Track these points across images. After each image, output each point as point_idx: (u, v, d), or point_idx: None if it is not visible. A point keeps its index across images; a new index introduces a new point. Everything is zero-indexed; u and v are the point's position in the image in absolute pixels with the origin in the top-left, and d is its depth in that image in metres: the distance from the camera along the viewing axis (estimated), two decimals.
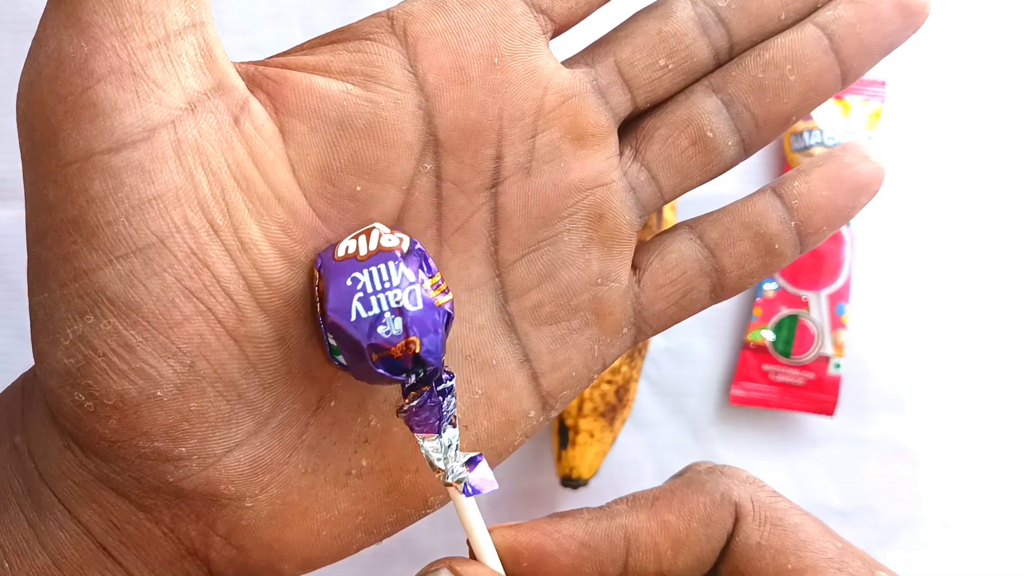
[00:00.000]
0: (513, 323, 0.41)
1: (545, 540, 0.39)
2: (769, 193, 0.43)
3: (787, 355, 0.74)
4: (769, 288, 0.75)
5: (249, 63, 0.39)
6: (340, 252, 0.37)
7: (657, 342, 0.76)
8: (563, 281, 0.42)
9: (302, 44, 0.40)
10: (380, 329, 0.35)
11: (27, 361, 0.67)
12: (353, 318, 0.36)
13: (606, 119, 0.42)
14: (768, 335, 0.74)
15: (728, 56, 0.43)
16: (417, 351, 0.36)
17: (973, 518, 0.76)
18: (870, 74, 0.60)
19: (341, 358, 0.37)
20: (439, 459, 0.37)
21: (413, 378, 0.36)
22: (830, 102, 0.73)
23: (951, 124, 0.75)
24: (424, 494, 0.41)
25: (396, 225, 0.40)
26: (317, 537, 0.39)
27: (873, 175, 0.43)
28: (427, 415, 0.37)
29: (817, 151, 0.72)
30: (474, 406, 0.41)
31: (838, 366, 0.74)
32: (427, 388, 0.36)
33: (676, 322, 0.43)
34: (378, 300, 0.35)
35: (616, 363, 0.71)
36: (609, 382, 0.72)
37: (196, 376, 0.36)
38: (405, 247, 0.36)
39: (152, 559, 0.39)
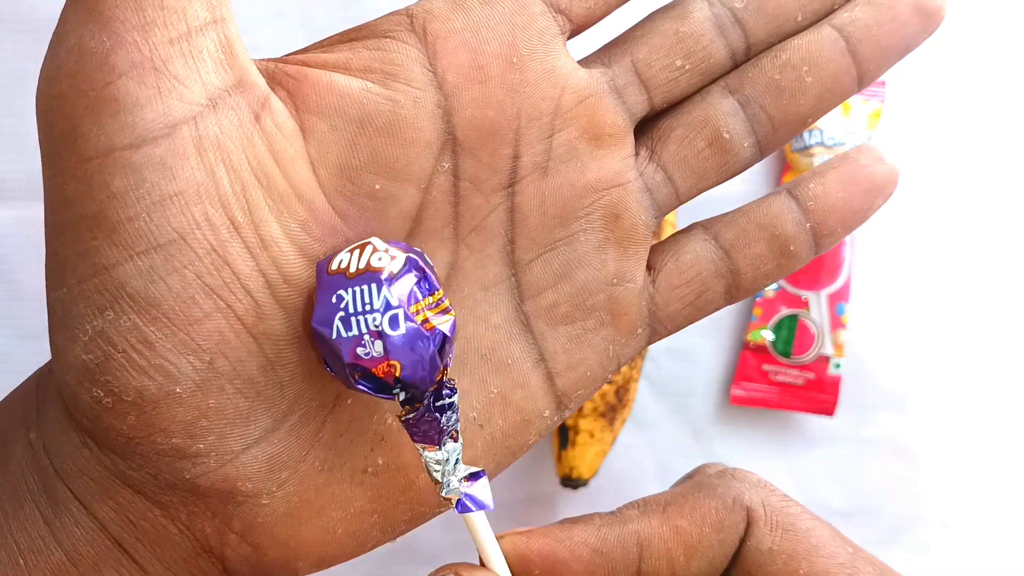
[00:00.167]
0: (529, 322, 0.41)
1: (557, 547, 0.39)
2: (784, 194, 0.43)
3: (787, 355, 0.74)
4: (769, 288, 0.74)
5: (269, 60, 0.39)
6: (333, 265, 0.36)
7: (657, 342, 0.76)
8: (579, 281, 0.41)
9: (321, 41, 0.40)
10: (360, 350, 0.35)
11: (27, 361, 0.67)
12: (334, 336, 0.35)
13: (623, 119, 0.42)
14: (768, 335, 0.74)
15: (745, 57, 0.43)
16: (397, 375, 0.35)
17: (973, 518, 0.76)
18: None
19: (330, 368, 0.37)
20: (437, 471, 0.37)
21: (403, 395, 0.36)
22: None
23: (951, 124, 0.75)
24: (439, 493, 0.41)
25: (414, 225, 0.40)
26: (332, 535, 0.39)
27: (888, 177, 0.43)
28: (426, 428, 0.37)
29: (817, 151, 0.72)
30: (489, 405, 0.41)
31: (838, 366, 0.74)
32: (420, 405, 0.36)
33: (691, 323, 0.43)
34: (358, 322, 0.35)
35: None
36: (609, 382, 0.71)
37: (215, 373, 0.36)
38: (395, 268, 0.35)
39: (167, 556, 0.38)
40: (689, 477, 0.43)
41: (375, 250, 0.36)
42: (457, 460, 0.37)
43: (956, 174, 0.74)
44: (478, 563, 0.39)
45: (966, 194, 0.75)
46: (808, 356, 0.74)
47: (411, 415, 0.36)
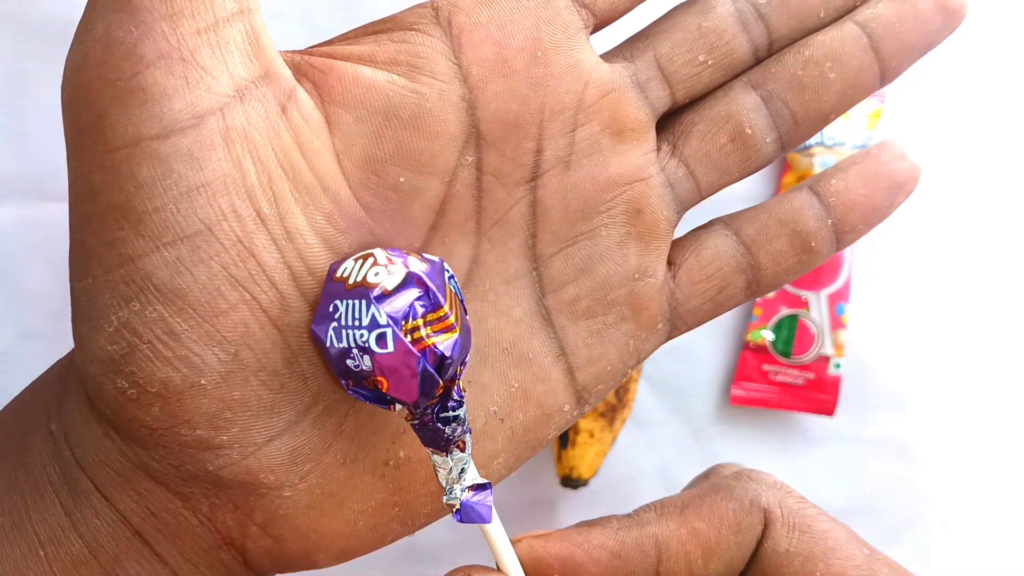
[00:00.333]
0: (550, 317, 0.41)
1: (575, 551, 0.39)
2: (806, 190, 0.43)
3: (787, 355, 0.74)
4: None
5: (295, 52, 0.39)
6: (338, 272, 0.36)
7: None
8: (600, 275, 0.42)
9: (346, 33, 0.40)
10: (349, 362, 0.35)
11: (27, 361, 0.67)
12: (327, 344, 0.35)
13: (645, 114, 0.42)
14: (768, 335, 0.74)
15: (767, 53, 0.43)
16: (384, 391, 0.35)
17: (973, 518, 0.76)
18: None
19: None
20: (442, 477, 0.37)
21: (398, 407, 0.36)
22: None
23: (951, 124, 0.75)
24: None
25: (437, 218, 0.39)
26: (353, 527, 0.39)
27: (910, 174, 0.43)
28: (431, 435, 0.37)
29: (817, 151, 0.72)
30: (510, 399, 0.41)
31: (838, 366, 0.74)
32: (420, 415, 0.36)
33: (711, 318, 0.44)
34: (348, 335, 0.35)
35: None
36: None
37: (240, 365, 0.36)
38: (391, 284, 0.35)
39: (188, 548, 0.38)
40: (704, 477, 0.43)
41: (375, 263, 0.35)
42: (463, 470, 0.37)
43: (956, 174, 0.75)
44: (494, 566, 0.39)
45: (966, 194, 0.75)
46: (808, 356, 0.74)
47: (415, 421, 0.37)
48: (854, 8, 0.43)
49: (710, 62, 0.42)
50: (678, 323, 0.43)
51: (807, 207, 0.43)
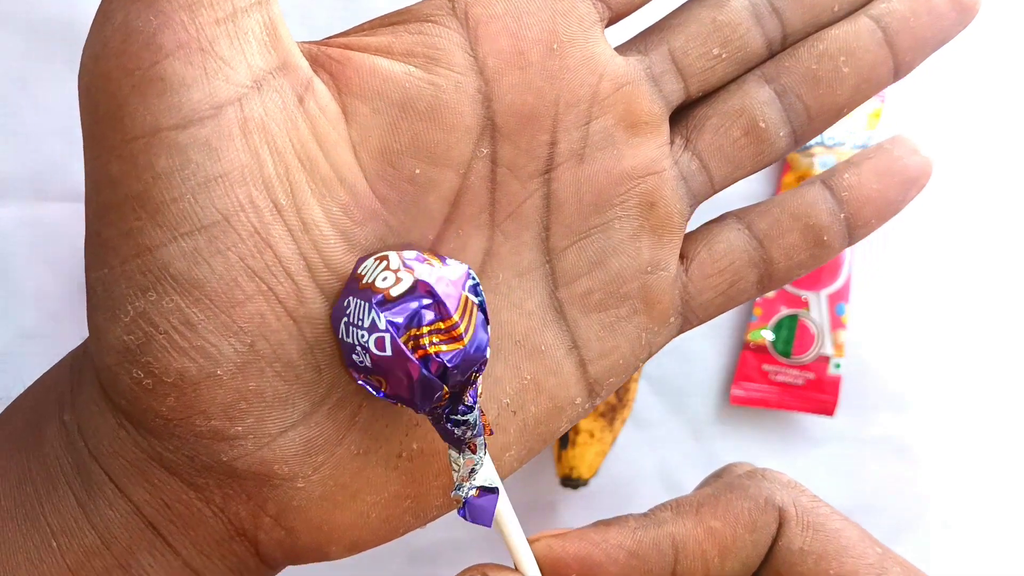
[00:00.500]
0: (562, 309, 0.41)
1: (593, 550, 0.39)
2: (819, 184, 0.43)
3: (787, 355, 0.74)
4: None
5: (312, 43, 0.39)
6: (359, 268, 0.36)
7: None
8: (613, 269, 0.42)
9: (362, 25, 0.40)
10: (355, 357, 0.36)
11: (27, 361, 0.67)
12: (339, 335, 0.36)
13: (659, 107, 0.42)
14: (768, 335, 0.74)
15: (781, 47, 0.43)
16: (383, 390, 0.36)
17: (973, 518, 0.76)
18: None
19: None
20: (456, 471, 0.37)
21: (400, 404, 0.36)
22: None
23: (951, 125, 0.75)
24: None
25: (451, 210, 0.39)
26: (366, 519, 0.39)
27: (922, 168, 0.43)
28: (444, 432, 0.37)
29: (817, 151, 0.72)
30: (523, 392, 0.41)
31: (838, 366, 0.74)
32: (435, 413, 0.37)
33: (722, 312, 0.44)
34: (353, 332, 0.35)
35: None
36: None
37: (256, 356, 0.36)
38: (397, 291, 0.35)
39: (201, 539, 0.38)
40: (717, 476, 0.43)
41: (388, 267, 0.36)
42: (473, 470, 0.37)
43: (956, 174, 0.75)
44: (502, 565, 0.39)
45: (966, 194, 0.75)
46: (808, 356, 0.74)
47: (430, 417, 0.37)
48: (868, 2, 0.43)
49: (724, 56, 0.42)
50: (690, 317, 0.43)
51: (820, 201, 0.43)
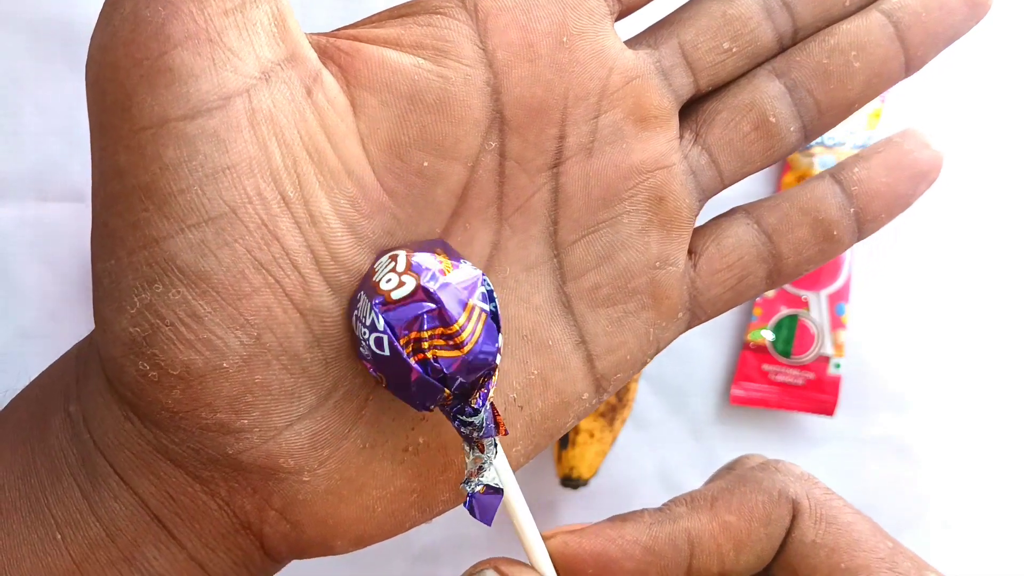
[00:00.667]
0: (570, 304, 0.41)
1: (609, 546, 0.39)
2: (828, 178, 0.43)
3: (787, 355, 0.74)
4: None
5: (320, 34, 0.38)
6: (375, 263, 0.37)
7: None
8: (621, 263, 0.41)
9: (371, 16, 0.40)
10: (362, 350, 0.36)
11: (27, 361, 0.67)
12: (351, 325, 0.36)
13: (668, 101, 0.42)
14: (768, 335, 0.74)
15: (792, 41, 0.43)
16: (385, 387, 0.36)
17: (973, 518, 0.76)
18: None
19: None
20: (467, 464, 0.38)
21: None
22: None
23: (951, 124, 0.75)
24: None
25: (459, 204, 0.39)
26: (372, 513, 0.39)
27: (933, 162, 0.43)
28: (455, 426, 0.37)
29: (817, 151, 0.72)
30: (529, 387, 0.41)
31: (838, 366, 0.74)
32: (444, 410, 0.37)
33: (731, 307, 0.44)
34: (359, 327, 0.36)
35: None
36: None
37: (262, 348, 0.36)
38: (399, 294, 0.35)
39: (206, 532, 0.38)
40: (729, 469, 0.43)
41: (394, 268, 0.36)
42: (481, 468, 0.37)
43: (956, 174, 0.75)
44: (523, 561, 0.39)
45: (966, 194, 0.75)
46: (808, 356, 0.74)
47: (444, 411, 0.37)
48: None
49: (734, 49, 0.42)
50: (698, 312, 0.43)
51: (829, 195, 0.43)
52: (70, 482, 0.38)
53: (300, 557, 0.40)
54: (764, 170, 0.74)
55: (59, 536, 0.37)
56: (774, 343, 0.74)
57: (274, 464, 0.37)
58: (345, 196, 0.37)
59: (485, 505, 0.37)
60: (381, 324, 0.35)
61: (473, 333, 0.36)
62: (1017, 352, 0.76)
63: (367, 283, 0.36)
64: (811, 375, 0.74)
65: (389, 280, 0.35)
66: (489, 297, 0.36)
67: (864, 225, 0.43)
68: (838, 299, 0.74)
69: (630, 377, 0.43)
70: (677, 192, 0.42)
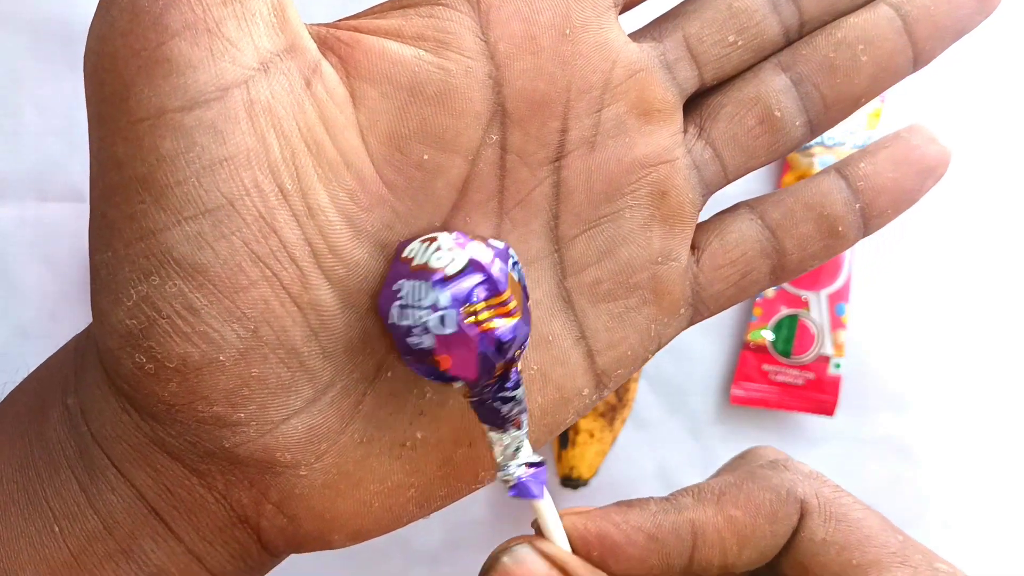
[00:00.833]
0: (571, 299, 0.41)
1: (614, 531, 0.39)
2: (834, 174, 0.43)
3: (787, 355, 0.74)
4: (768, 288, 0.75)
5: (320, 25, 0.38)
6: (405, 252, 0.36)
7: None
8: (623, 258, 0.41)
9: (372, 8, 0.39)
10: (411, 340, 0.35)
11: (26, 360, 0.67)
12: (391, 320, 0.36)
13: (672, 95, 0.41)
14: (768, 335, 0.74)
15: (798, 35, 0.42)
16: (443, 369, 0.36)
17: (973, 518, 0.76)
18: None
19: None
20: (498, 454, 0.38)
21: (457, 384, 0.36)
22: None
23: (951, 124, 0.75)
24: (476, 468, 0.41)
25: (459, 197, 0.39)
26: (369, 508, 0.39)
27: (940, 158, 0.43)
28: (488, 413, 0.37)
29: (817, 151, 0.72)
30: (529, 382, 0.40)
31: (838, 366, 0.74)
32: (478, 393, 0.37)
33: (734, 303, 0.43)
34: (411, 313, 0.35)
35: None
36: None
37: (259, 342, 0.36)
38: (452, 269, 0.35)
39: (203, 525, 0.38)
40: (741, 460, 0.43)
41: (440, 247, 0.36)
42: (518, 447, 0.38)
43: (956, 174, 0.75)
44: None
45: (966, 194, 0.75)
46: (808, 356, 0.74)
47: (474, 398, 0.37)
48: None
49: (740, 43, 0.42)
50: (701, 308, 0.43)
51: (835, 191, 0.42)
52: (68, 474, 0.38)
53: (297, 551, 0.40)
54: (763, 170, 0.74)
55: (57, 528, 0.37)
56: (774, 343, 0.74)
57: (271, 458, 0.37)
58: (344, 189, 0.37)
59: (531, 483, 0.38)
60: (446, 300, 0.35)
61: (516, 301, 0.36)
62: (1017, 352, 0.76)
63: (404, 270, 0.36)
64: (811, 375, 0.74)
65: (440, 258, 0.35)
66: (517, 268, 0.37)
67: (870, 221, 0.43)
68: (838, 299, 0.74)
69: (631, 373, 0.43)
70: (680, 187, 0.41)
